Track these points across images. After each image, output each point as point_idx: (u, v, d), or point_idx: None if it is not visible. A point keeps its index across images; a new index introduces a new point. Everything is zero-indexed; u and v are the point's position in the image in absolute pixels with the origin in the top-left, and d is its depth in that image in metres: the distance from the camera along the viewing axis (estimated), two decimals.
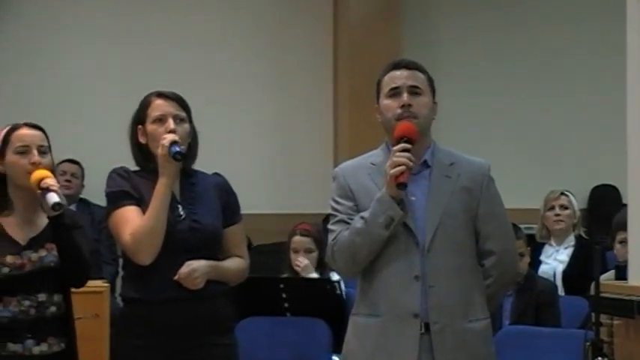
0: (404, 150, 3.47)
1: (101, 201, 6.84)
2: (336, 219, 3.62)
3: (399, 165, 3.45)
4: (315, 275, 5.56)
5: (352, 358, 3.62)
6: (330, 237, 3.62)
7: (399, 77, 3.61)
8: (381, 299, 3.54)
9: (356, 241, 3.53)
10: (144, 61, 7.65)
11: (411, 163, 3.47)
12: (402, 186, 3.46)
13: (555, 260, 6.36)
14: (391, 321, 3.51)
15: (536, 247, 6.28)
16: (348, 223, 3.57)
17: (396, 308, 3.51)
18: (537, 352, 4.87)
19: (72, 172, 7.25)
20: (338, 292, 5.35)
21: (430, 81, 3.67)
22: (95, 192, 7.12)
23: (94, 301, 4.65)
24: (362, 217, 3.53)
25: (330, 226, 3.66)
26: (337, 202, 3.63)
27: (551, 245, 6.44)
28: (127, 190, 3.72)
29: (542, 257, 6.39)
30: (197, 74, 7.62)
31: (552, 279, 6.12)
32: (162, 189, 3.66)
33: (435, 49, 8.08)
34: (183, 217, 3.72)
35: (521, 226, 5.55)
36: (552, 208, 6.44)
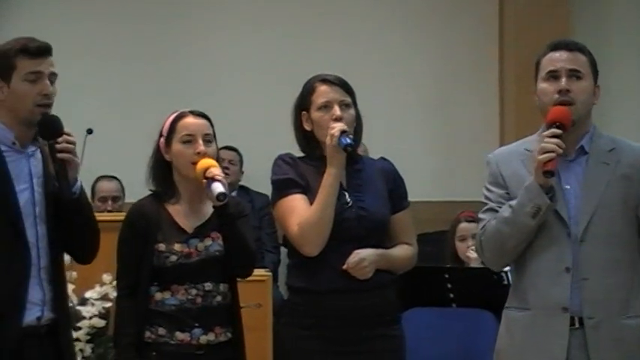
0: (553, 136, 3.33)
1: (260, 188, 6.99)
2: (487, 207, 3.52)
3: (547, 151, 3.31)
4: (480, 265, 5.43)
5: (503, 354, 3.53)
6: (479, 226, 3.54)
7: (558, 59, 3.45)
8: (529, 292, 3.44)
9: (503, 231, 3.41)
10: (302, 46, 7.61)
11: (560, 150, 3.32)
12: (549, 174, 3.32)
13: None
14: (540, 315, 3.40)
15: None
16: (498, 212, 3.46)
17: (545, 301, 3.39)
18: None
19: (230, 159, 7.28)
20: (505, 282, 5.18)
21: (592, 63, 3.50)
22: (254, 179, 7.17)
23: (256, 290, 4.63)
24: (510, 206, 3.41)
25: (480, 215, 3.56)
26: (489, 190, 3.53)
27: None
28: (293, 177, 3.68)
29: None
30: (360, 58, 7.52)
31: None
32: (331, 179, 3.61)
33: (606, 30, 7.78)
34: (350, 204, 3.66)
35: None
36: None
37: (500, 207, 3.46)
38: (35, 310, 3.40)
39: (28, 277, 3.38)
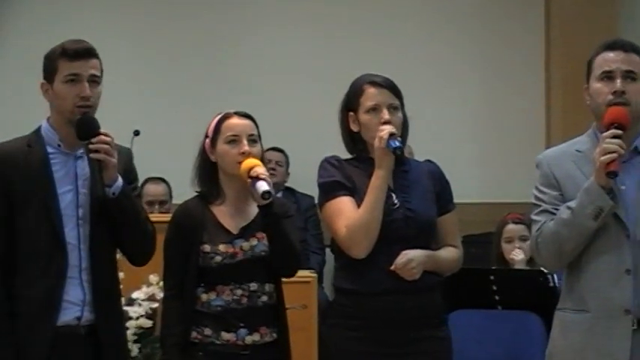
0: (614, 137, 3.30)
1: (306, 189, 6.99)
2: (540, 209, 3.48)
3: (610, 152, 3.28)
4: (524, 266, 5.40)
5: (559, 356, 3.49)
6: (534, 228, 3.49)
7: (613, 60, 3.42)
8: (588, 294, 3.40)
9: (562, 233, 3.38)
10: (350, 47, 7.60)
11: (622, 151, 3.30)
12: (612, 174, 3.28)
13: None
14: (600, 317, 3.36)
15: None
16: (553, 214, 3.43)
17: (606, 304, 3.36)
18: None
19: (276, 160, 7.27)
20: (551, 284, 5.15)
21: None
22: (300, 180, 7.17)
23: (302, 291, 4.63)
24: (568, 208, 3.37)
25: (533, 217, 3.52)
26: (541, 192, 3.49)
27: None
28: (340, 179, 3.68)
29: None
30: (405, 59, 7.50)
31: None
32: (379, 182, 3.60)
33: None
34: (397, 205, 3.66)
35: None
36: None
37: (554, 209, 3.43)
38: (74, 310, 3.43)
39: (64, 277, 3.41)
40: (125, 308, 4.35)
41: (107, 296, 3.52)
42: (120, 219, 3.47)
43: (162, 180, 6.81)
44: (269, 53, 7.69)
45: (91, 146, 3.39)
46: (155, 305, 4.46)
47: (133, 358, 4.39)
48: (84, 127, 3.41)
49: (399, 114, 3.70)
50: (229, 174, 3.68)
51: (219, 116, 3.75)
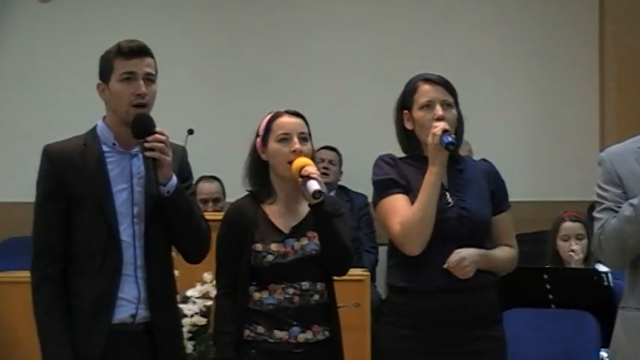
0: None
1: (359, 188, 6.99)
2: (603, 206, 3.45)
3: None
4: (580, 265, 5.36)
5: (621, 355, 3.45)
6: (597, 225, 3.46)
7: None
8: None
9: (625, 230, 3.35)
10: (403, 46, 7.59)
11: None
12: None
13: None
14: None
15: None
16: (616, 211, 3.39)
17: None
18: None
19: (330, 159, 7.29)
20: (606, 283, 5.11)
21: None
22: (353, 179, 7.17)
23: (355, 290, 4.63)
24: (631, 204, 3.34)
25: (596, 214, 3.49)
26: (603, 189, 3.46)
27: None
28: (394, 177, 3.67)
29: None
30: (460, 58, 7.49)
31: None
32: (433, 178, 3.59)
33: None
34: (451, 204, 3.65)
35: None
36: None
37: (618, 206, 3.40)
38: (129, 307, 3.45)
39: (119, 274, 3.43)
40: (180, 306, 4.39)
41: (162, 294, 3.52)
42: (174, 217, 3.48)
43: (216, 178, 6.86)
44: (324, 52, 7.71)
45: (146, 144, 3.40)
46: (209, 303, 4.49)
47: (188, 356, 4.42)
48: (139, 125, 3.43)
49: (453, 111, 3.69)
50: (280, 173, 3.69)
51: (270, 115, 3.76)
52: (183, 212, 3.50)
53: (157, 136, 3.41)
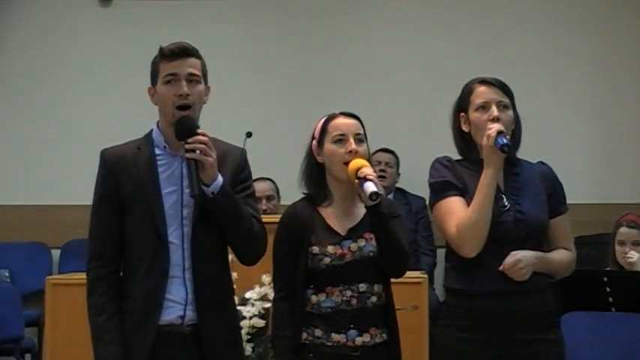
0: None
1: (417, 190, 6.98)
2: None
3: None
4: None
5: None
6: None
7: None
8: None
9: None
10: (460, 49, 7.56)
11: None
12: None
13: None
14: None
15: None
16: None
17: None
18: None
19: (387, 161, 7.27)
20: None
21: None
22: (411, 181, 7.16)
23: (412, 292, 4.62)
24: None
25: None
26: None
27: None
28: (451, 180, 3.66)
29: None
30: (517, 61, 7.44)
31: None
32: (487, 180, 3.57)
33: None
34: (507, 207, 3.63)
35: None
36: None
37: None
38: (177, 309, 3.46)
39: (167, 276, 3.44)
40: (238, 308, 4.40)
41: (213, 295, 3.52)
42: (221, 218, 3.48)
43: (269, 179, 6.88)
44: (381, 55, 7.70)
45: (187, 146, 3.41)
46: (267, 305, 4.50)
47: (247, 358, 4.43)
48: (181, 127, 3.45)
49: (509, 112, 3.67)
50: (336, 175, 3.69)
51: (326, 117, 3.77)
52: (229, 213, 3.49)
53: (198, 137, 3.41)
